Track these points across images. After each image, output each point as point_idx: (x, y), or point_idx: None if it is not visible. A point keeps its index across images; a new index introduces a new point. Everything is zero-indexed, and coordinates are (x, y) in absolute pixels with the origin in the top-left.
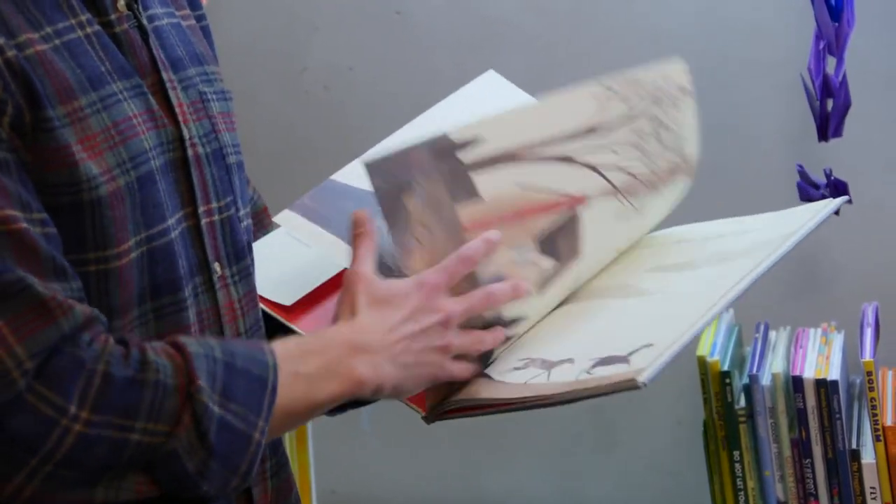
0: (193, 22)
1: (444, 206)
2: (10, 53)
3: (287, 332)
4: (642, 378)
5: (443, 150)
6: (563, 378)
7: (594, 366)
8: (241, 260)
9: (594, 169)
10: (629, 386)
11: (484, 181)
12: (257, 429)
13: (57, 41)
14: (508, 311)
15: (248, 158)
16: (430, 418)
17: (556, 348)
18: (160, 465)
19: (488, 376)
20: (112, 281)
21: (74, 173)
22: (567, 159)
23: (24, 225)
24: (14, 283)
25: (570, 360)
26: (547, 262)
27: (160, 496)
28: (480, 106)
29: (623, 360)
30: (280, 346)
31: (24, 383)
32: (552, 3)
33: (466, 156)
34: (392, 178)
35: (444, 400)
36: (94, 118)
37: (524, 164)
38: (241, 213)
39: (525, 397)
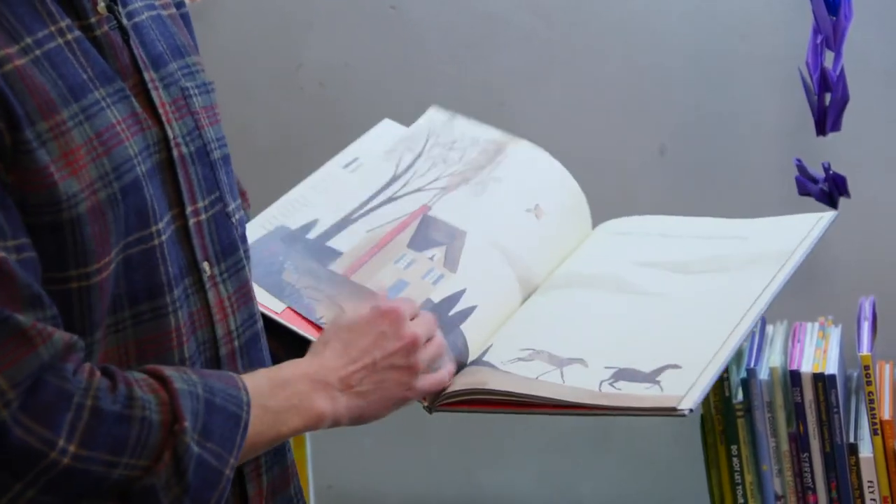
0: (174, 10)
1: (318, 270)
2: None
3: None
4: (684, 407)
5: (288, 237)
6: (581, 383)
7: (616, 378)
8: (229, 256)
9: (419, 189)
10: (670, 413)
11: (336, 243)
12: (228, 465)
13: (37, 52)
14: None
15: (244, 155)
16: (431, 408)
17: (561, 343)
18: (136, 498)
19: (490, 364)
20: (94, 296)
21: (54, 193)
22: (391, 199)
23: (2, 254)
24: None
25: (581, 361)
26: (430, 253)
27: None
28: (374, 155)
29: (650, 379)
30: (251, 380)
31: (7, 414)
32: (548, 1)
33: (310, 235)
34: (263, 272)
35: (444, 390)
36: (76, 131)
37: (360, 220)
38: (230, 207)
39: (550, 399)
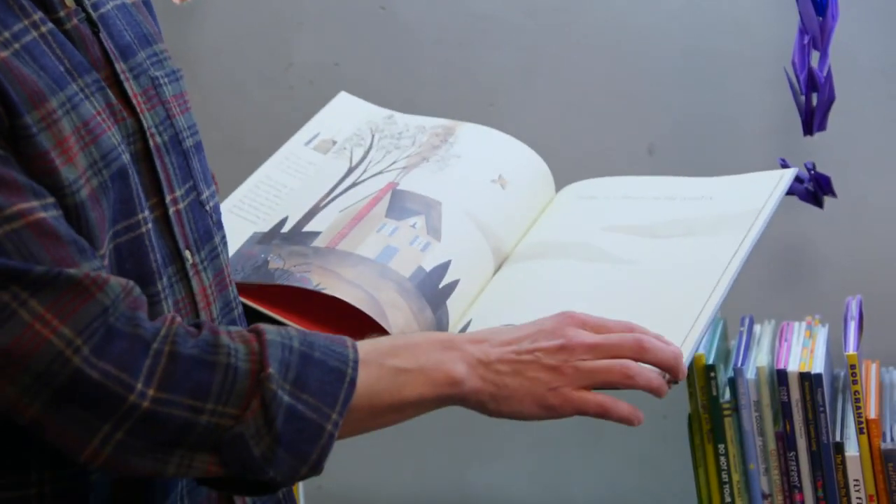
0: None
1: (302, 249)
2: None
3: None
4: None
5: (263, 238)
6: None
7: None
8: (206, 244)
9: (381, 172)
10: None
11: (312, 226)
12: (330, 420)
13: (16, 45)
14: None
15: (234, 153)
16: None
17: (541, 316)
18: (227, 448)
19: None
20: None
21: (57, 179)
22: (355, 184)
23: (42, 214)
24: (45, 273)
25: None
26: (410, 221)
27: (229, 477)
28: (336, 130)
29: None
30: (371, 343)
31: (79, 359)
32: (538, 0)
33: (284, 229)
34: (250, 270)
35: None
36: (65, 120)
37: (329, 206)
38: (204, 195)
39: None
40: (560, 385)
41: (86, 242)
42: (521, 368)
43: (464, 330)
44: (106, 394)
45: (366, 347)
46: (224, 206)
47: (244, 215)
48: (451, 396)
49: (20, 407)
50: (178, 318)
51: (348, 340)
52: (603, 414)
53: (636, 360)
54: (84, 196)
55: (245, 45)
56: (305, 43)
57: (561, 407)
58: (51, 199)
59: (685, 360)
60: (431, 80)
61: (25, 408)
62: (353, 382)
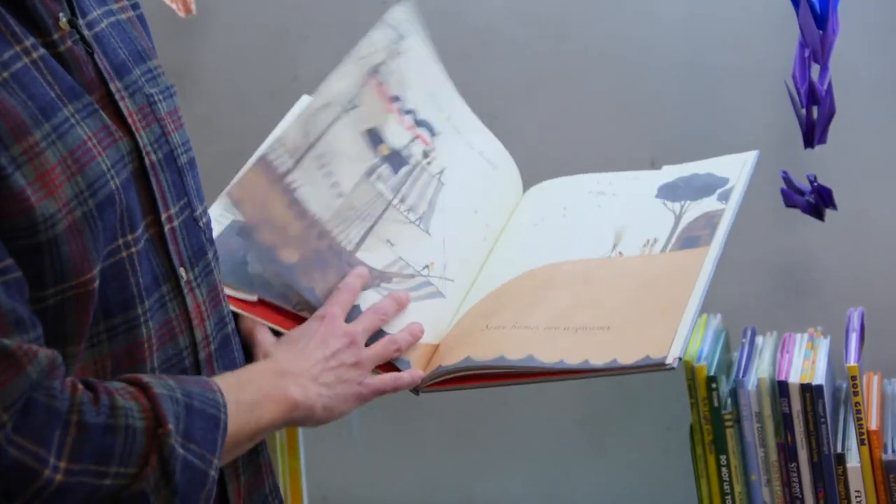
0: (131, 13)
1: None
2: None
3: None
4: (671, 359)
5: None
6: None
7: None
8: (200, 259)
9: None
10: (659, 368)
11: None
12: (212, 466)
13: (5, 74)
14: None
15: (240, 166)
16: (418, 390)
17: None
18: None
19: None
20: (68, 307)
21: (31, 217)
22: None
23: None
24: None
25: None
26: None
27: None
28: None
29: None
30: (220, 381)
31: (2, 437)
32: (539, 12)
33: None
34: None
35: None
36: (49, 151)
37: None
38: (198, 212)
39: (541, 366)
40: (362, 377)
41: (26, 313)
42: (337, 376)
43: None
44: (21, 470)
45: (219, 385)
46: (212, 212)
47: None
48: (295, 417)
49: None
50: (80, 384)
51: (213, 384)
52: (394, 387)
53: (383, 320)
54: (60, 230)
55: (251, 57)
56: (311, 56)
57: (369, 395)
58: (2, 264)
59: (686, 333)
60: None
61: None
62: (225, 427)
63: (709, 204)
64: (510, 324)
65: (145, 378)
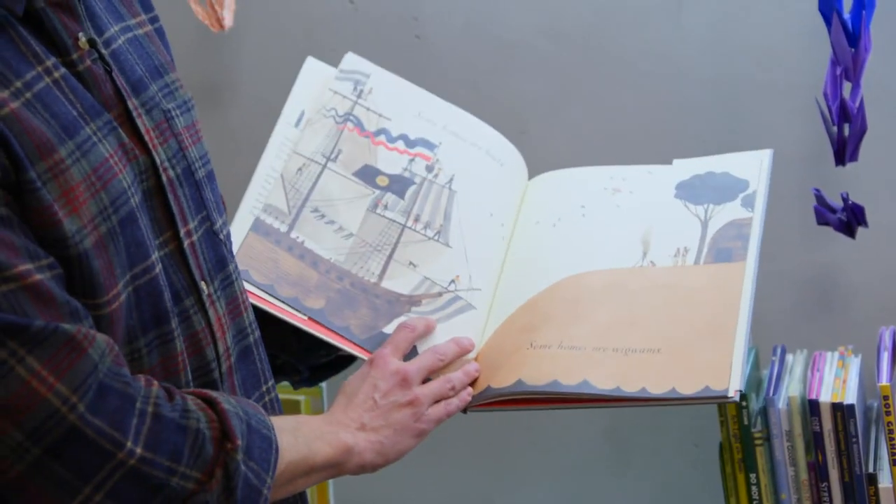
0: (149, 28)
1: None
2: None
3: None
4: (732, 392)
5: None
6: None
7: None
8: (219, 273)
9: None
10: (722, 400)
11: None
12: (266, 485)
13: (28, 94)
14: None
15: None
16: (466, 409)
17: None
18: None
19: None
20: (104, 326)
21: (60, 230)
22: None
23: (38, 276)
24: (43, 329)
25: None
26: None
27: None
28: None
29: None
30: (273, 418)
31: (75, 416)
32: (567, 28)
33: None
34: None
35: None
36: (74, 168)
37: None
38: (217, 225)
39: (599, 393)
40: (419, 412)
41: (77, 303)
42: (388, 417)
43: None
44: (97, 450)
45: (273, 420)
46: (244, 209)
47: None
48: (348, 463)
49: (4, 466)
50: (154, 381)
51: (260, 408)
52: (447, 415)
53: (440, 362)
54: (88, 245)
55: (280, 71)
56: None
57: (429, 428)
58: (45, 261)
59: (742, 363)
60: (464, 107)
61: (9, 467)
62: (278, 448)
63: (733, 210)
64: (556, 343)
65: (212, 392)
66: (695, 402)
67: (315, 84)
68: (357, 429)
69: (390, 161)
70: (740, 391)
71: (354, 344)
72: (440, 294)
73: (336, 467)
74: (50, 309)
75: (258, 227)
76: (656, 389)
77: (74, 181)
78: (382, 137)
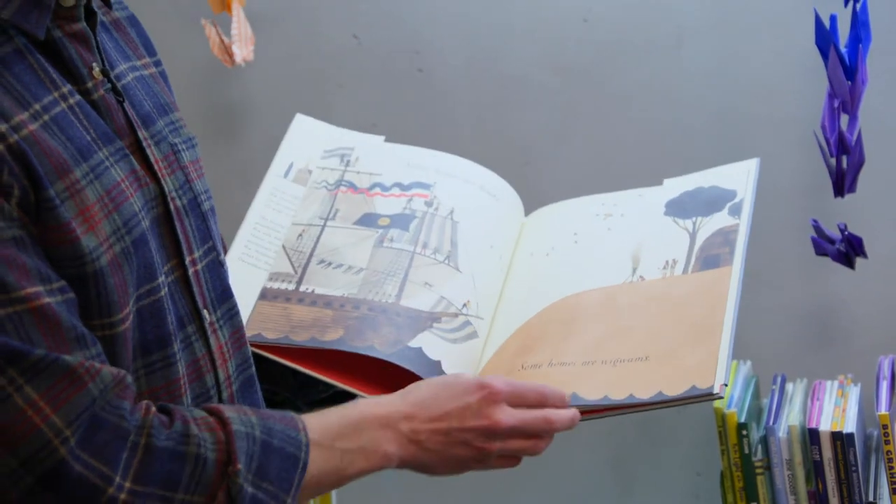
0: (154, 70)
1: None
2: (12, 139)
3: (276, 364)
4: (717, 387)
5: (272, 294)
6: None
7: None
8: (224, 303)
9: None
10: (707, 398)
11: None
12: None
13: (45, 117)
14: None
15: None
16: None
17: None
18: None
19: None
20: (119, 345)
21: (77, 248)
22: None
23: (47, 300)
24: (43, 358)
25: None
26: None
27: None
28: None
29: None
30: (319, 420)
31: (66, 451)
32: (570, 63)
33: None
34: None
35: None
36: (89, 189)
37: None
38: (222, 256)
39: (587, 402)
40: (481, 459)
41: (85, 330)
42: (448, 448)
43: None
44: (85, 487)
45: (316, 428)
46: (233, 255)
47: (254, 262)
48: (385, 467)
49: (2, 489)
50: (153, 408)
51: (300, 423)
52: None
53: (546, 431)
54: (105, 262)
55: (287, 104)
56: (344, 103)
57: (492, 458)
58: (56, 285)
59: (727, 359)
60: (467, 140)
61: (6, 491)
62: (305, 466)
63: (721, 219)
64: (546, 362)
65: (227, 412)
66: (682, 402)
67: (304, 137)
68: (409, 441)
69: (389, 205)
70: (725, 385)
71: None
72: (456, 315)
73: (374, 472)
74: (55, 334)
75: (266, 294)
76: (643, 394)
77: (90, 201)
78: (377, 189)
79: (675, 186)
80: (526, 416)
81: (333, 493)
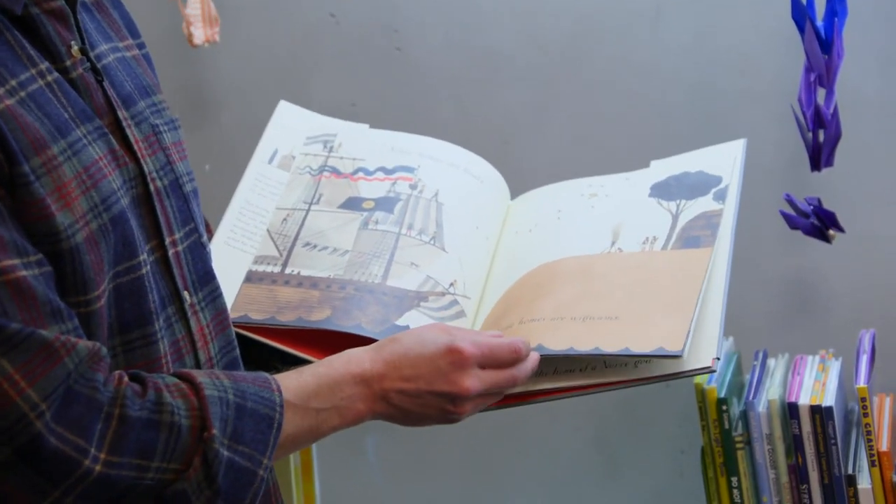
0: (136, 52)
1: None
2: None
3: (261, 348)
4: (712, 362)
5: (257, 277)
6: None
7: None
8: (206, 285)
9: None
10: (704, 371)
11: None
12: (262, 466)
13: (22, 93)
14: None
15: None
16: None
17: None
18: (169, 501)
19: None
20: (94, 322)
21: (52, 224)
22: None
23: (23, 273)
24: (19, 332)
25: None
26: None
27: None
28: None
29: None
30: (294, 380)
31: (41, 424)
32: (550, 39)
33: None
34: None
35: None
36: (66, 165)
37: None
38: (204, 238)
39: (553, 353)
40: (447, 419)
41: (61, 303)
42: (419, 408)
43: None
44: (61, 459)
45: (291, 387)
46: (218, 240)
47: (240, 246)
48: (357, 423)
49: None
50: (125, 378)
51: (273, 382)
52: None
53: (514, 385)
54: (80, 239)
55: (264, 85)
56: (323, 84)
57: (460, 418)
58: (34, 258)
59: (719, 334)
60: (446, 118)
61: None
62: (280, 427)
63: (705, 203)
64: (517, 321)
65: (199, 377)
66: (649, 360)
67: (288, 124)
68: (381, 398)
69: (373, 189)
70: (717, 359)
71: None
72: (444, 294)
73: (342, 429)
74: (30, 308)
75: (251, 277)
76: (609, 348)
77: (66, 178)
78: (360, 174)
79: (662, 169)
80: (496, 378)
81: (317, 490)
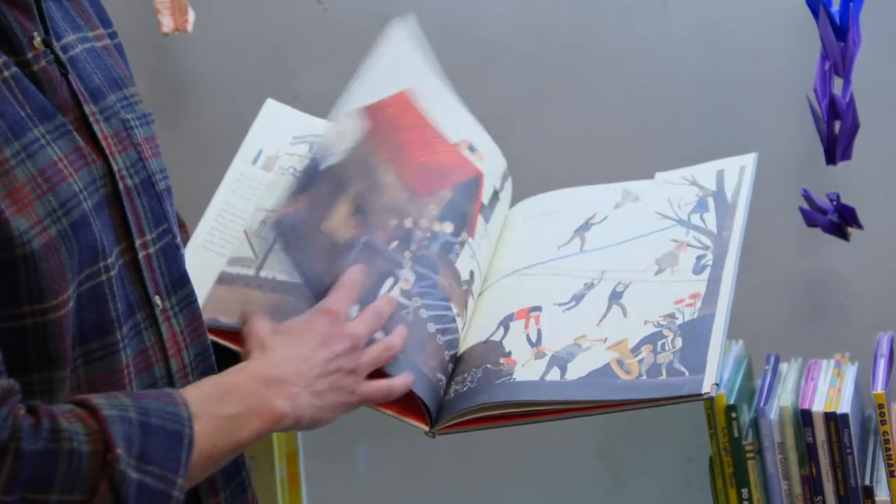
0: (108, 41)
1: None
2: None
3: (236, 355)
4: (708, 389)
5: (229, 279)
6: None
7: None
8: (180, 289)
9: None
10: (697, 398)
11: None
12: (176, 486)
13: None
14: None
15: None
16: (433, 433)
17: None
18: None
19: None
20: (50, 332)
21: (5, 230)
22: None
23: None
24: None
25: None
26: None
27: None
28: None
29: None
30: (196, 391)
31: None
32: (549, 26)
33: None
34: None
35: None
36: (19, 169)
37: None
38: (178, 239)
39: (575, 401)
40: (354, 385)
41: None
42: (332, 382)
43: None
44: None
45: (195, 398)
46: (195, 242)
47: (218, 250)
48: (281, 427)
49: None
50: (22, 410)
51: (177, 396)
52: (388, 395)
53: (382, 321)
54: (37, 246)
55: (251, 76)
56: (311, 74)
57: (357, 403)
58: None
59: (718, 360)
60: None
61: None
62: (191, 442)
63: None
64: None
65: (95, 399)
66: (672, 401)
67: (275, 124)
68: (301, 389)
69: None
70: (716, 385)
71: None
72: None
73: (271, 432)
74: None
75: (223, 278)
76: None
77: (19, 182)
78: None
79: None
80: (365, 316)
81: (304, 493)
